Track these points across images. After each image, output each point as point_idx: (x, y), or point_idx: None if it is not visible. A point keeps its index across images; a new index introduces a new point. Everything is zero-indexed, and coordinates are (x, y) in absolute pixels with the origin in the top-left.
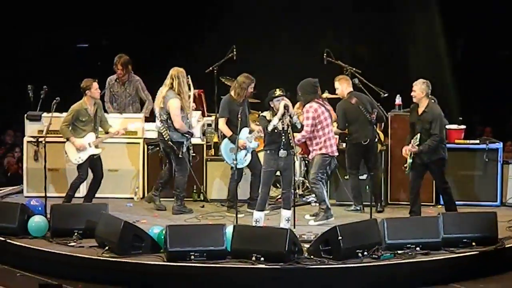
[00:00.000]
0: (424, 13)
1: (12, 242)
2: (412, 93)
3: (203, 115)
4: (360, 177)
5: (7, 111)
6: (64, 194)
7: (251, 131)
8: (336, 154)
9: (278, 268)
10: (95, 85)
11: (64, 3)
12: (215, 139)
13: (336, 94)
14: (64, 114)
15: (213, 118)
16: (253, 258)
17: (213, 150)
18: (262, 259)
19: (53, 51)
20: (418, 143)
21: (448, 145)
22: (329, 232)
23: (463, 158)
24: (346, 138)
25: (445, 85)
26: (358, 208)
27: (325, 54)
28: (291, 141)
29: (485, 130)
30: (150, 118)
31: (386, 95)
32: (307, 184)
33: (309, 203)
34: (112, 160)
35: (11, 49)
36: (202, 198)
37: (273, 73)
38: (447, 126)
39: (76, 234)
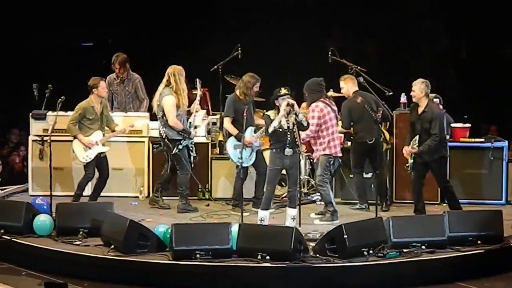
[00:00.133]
0: (429, 11)
1: (18, 241)
2: (412, 93)
3: (208, 114)
4: (365, 176)
5: (12, 110)
6: (69, 193)
7: (256, 130)
8: (340, 154)
9: (283, 266)
10: (103, 83)
11: (69, 2)
12: (220, 138)
13: (341, 93)
14: (69, 112)
15: (218, 116)
16: (259, 257)
17: (218, 148)
18: (267, 257)
19: (58, 49)
20: (417, 144)
21: (453, 144)
22: (334, 230)
23: (468, 156)
24: (352, 137)
25: (450, 84)
26: (363, 207)
27: (330, 53)
28: (296, 140)
29: (490, 129)
30: (155, 117)
31: (391, 93)
32: (312, 183)
33: (314, 201)
34: (117, 159)
35: (16, 48)
36: (207, 197)
37: (278, 71)
38: (452, 125)
39: (81, 232)
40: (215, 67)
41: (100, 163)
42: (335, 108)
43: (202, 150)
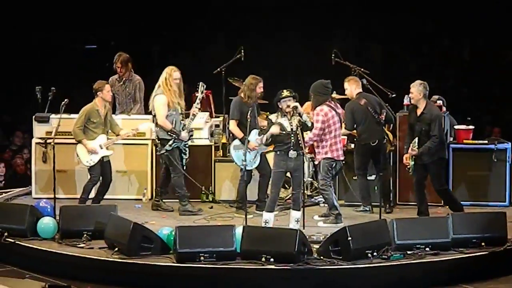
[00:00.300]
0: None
1: (21, 243)
2: (410, 95)
3: (211, 116)
4: (369, 178)
5: (16, 112)
6: (72, 196)
7: (260, 133)
8: (342, 158)
9: (288, 268)
10: (108, 87)
11: (72, 4)
12: (223, 140)
13: (345, 95)
14: (73, 115)
15: (221, 119)
16: (263, 259)
17: (221, 151)
18: (271, 260)
19: (61, 52)
20: (417, 146)
21: (456, 146)
22: (338, 232)
23: (472, 158)
24: (355, 139)
25: (453, 86)
26: (367, 209)
27: (333, 55)
28: (300, 142)
29: (493, 131)
30: None
31: (394, 95)
32: (316, 185)
33: (317, 203)
34: (120, 161)
35: (19, 51)
36: (211, 199)
37: (281, 73)
38: (456, 127)
39: (85, 235)
40: (218, 69)
41: (103, 167)
42: (340, 111)
43: (206, 152)
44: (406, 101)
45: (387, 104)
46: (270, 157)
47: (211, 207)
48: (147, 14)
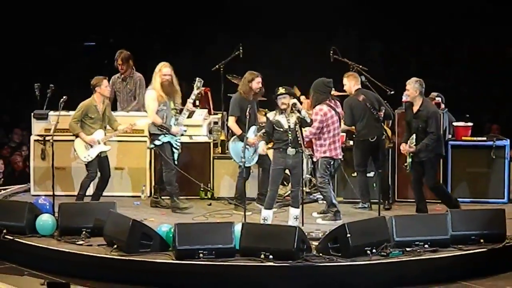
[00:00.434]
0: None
1: (20, 240)
2: (406, 92)
3: (209, 113)
4: (368, 175)
5: (15, 110)
6: (71, 193)
7: (259, 129)
8: (340, 157)
9: (287, 265)
10: (105, 82)
11: (71, 2)
12: (222, 137)
13: (344, 92)
14: (71, 112)
15: (219, 116)
16: (262, 256)
17: (220, 148)
18: (271, 257)
19: (60, 49)
20: (414, 143)
21: (455, 142)
22: (337, 229)
23: (470, 155)
24: (354, 136)
25: (452, 83)
26: (366, 206)
27: (331, 52)
28: (299, 139)
29: (492, 127)
30: None
31: (392, 92)
32: (314, 182)
33: (316, 200)
34: (118, 158)
35: (18, 48)
36: (209, 196)
37: (280, 70)
38: (454, 124)
39: (84, 232)
40: (217, 66)
41: (101, 163)
42: (339, 110)
43: (204, 149)
44: (404, 98)
45: (385, 101)
46: (270, 153)
47: (210, 204)
48: (147, 12)
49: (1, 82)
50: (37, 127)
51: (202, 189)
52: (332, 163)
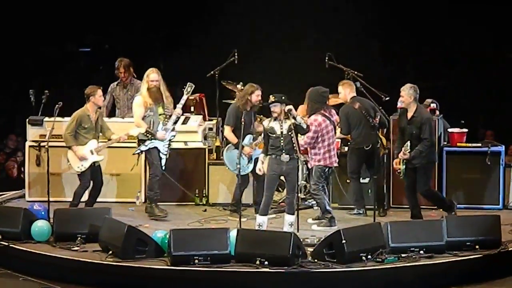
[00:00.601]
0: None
1: (15, 246)
2: (400, 98)
3: (204, 119)
4: (362, 181)
5: (10, 115)
6: (66, 199)
7: (255, 138)
8: (335, 164)
9: (282, 272)
10: (100, 92)
11: (65, 7)
12: (217, 143)
13: (338, 97)
14: (67, 118)
15: (214, 122)
16: (257, 262)
17: (214, 154)
18: (266, 263)
19: (54, 55)
20: (409, 150)
21: (450, 149)
22: (333, 235)
23: (465, 161)
24: (349, 143)
25: (447, 88)
26: (361, 212)
27: (327, 58)
28: (294, 145)
29: (486, 134)
30: None
31: (387, 99)
32: (309, 188)
33: (311, 207)
34: (114, 164)
35: (13, 54)
36: (204, 202)
37: (275, 76)
38: (449, 130)
39: (79, 238)
40: (212, 72)
41: (94, 172)
42: (334, 118)
43: (199, 155)
44: (400, 104)
45: (380, 107)
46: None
47: (205, 210)
48: (142, 17)
49: None
50: (32, 133)
51: (197, 194)
52: (326, 170)
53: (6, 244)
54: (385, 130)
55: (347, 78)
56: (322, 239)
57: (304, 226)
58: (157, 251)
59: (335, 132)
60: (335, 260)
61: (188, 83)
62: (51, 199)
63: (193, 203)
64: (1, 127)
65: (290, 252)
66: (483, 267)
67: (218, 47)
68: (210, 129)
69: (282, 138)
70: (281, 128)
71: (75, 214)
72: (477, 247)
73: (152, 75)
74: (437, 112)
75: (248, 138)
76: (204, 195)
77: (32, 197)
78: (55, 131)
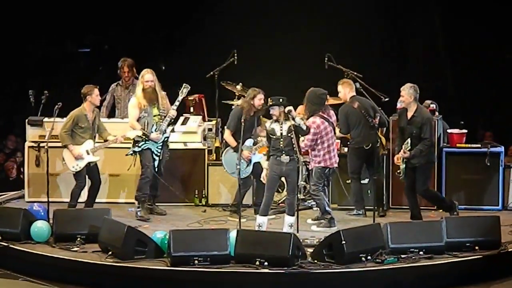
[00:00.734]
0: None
1: (15, 247)
2: (400, 98)
3: (204, 119)
4: (362, 181)
5: (9, 116)
6: (65, 199)
7: (255, 143)
8: (336, 165)
9: (282, 272)
10: (96, 91)
11: (65, 8)
12: (217, 144)
13: (339, 99)
14: (66, 119)
15: (214, 122)
16: (257, 263)
17: (214, 155)
18: (266, 263)
19: (54, 55)
20: (409, 148)
21: (450, 149)
22: (332, 236)
23: (465, 162)
24: (348, 143)
25: (446, 89)
26: (360, 213)
27: (326, 59)
28: (294, 146)
29: (485, 135)
30: None
31: (387, 99)
32: (308, 188)
33: (310, 207)
34: (113, 165)
35: (13, 54)
36: (204, 203)
37: (275, 76)
38: (449, 130)
39: (79, 239)
40: (211, 73)
41: (90, 171)
42: (333, 119)
43: (199, 156)
44: (399, 104)
45: (380, 108)
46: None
47: (204, 211)
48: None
49: None
50: (32, 133)
51: (196, 195)
52: (326, 171)
53: (6, 244)
54: (384, 129)
55: (346, 79)
56: (321, 240)
57: (303, 227)
58: (157, 252)
59: (335, 133)
60: (334, 261)
61: (184, 84)
62: (50, 199)
63: (193, 203)
64: (0, 127)
65: (290, 253)
66: (482, 268)
67: (218, 47)
68: (210, 129)
69: (282, 139)
70: (281, 130)
71: (74, 215)
72: (476, 248)
73: (147, 75)
74: (437, 113)
75: (248, 142)
76: (203, 195)
77: (31, 198)
78: (55, 131)
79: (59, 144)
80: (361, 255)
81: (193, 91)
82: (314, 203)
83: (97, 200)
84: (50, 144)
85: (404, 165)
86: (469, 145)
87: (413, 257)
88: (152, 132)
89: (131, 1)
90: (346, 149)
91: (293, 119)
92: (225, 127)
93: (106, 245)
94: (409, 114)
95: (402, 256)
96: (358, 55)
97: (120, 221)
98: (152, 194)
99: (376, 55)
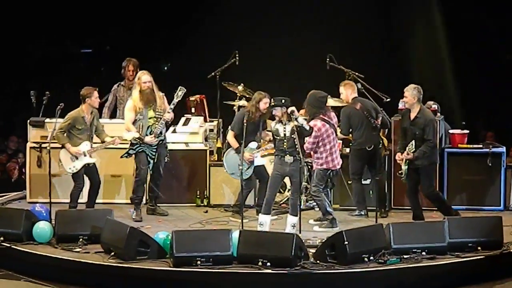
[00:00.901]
0: (426, 17)
1: (17, 248)
2: (404, 99)
3: (205, 120)
4: (364, 182)
5: (11, 117)
6: (67, 200)
7: (258, 146)
8: (339, 166)
9: (284, 273)
10: (96, 94)
11: (66, 8)
12: (218, 144)
13: (340, 101)
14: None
15: (215, 123)
16: (260, 263)
17: (216, 155)
18: (268, 264)
19: (56, 56)
20: (413, 149)
21: (451, 150)
22: (335, 236)
23: (466, 162)
24: (350, 144)
25: (448, 90)
26: (362, 213)
27: (327, 59)
28: (297, 147)
29: (487, 135)
30: None
31: (388, 100)
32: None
33: (312, 208)
34: (115, 165)
35: (15, 55)
36: (206, 204)
37: (276, 77)
38: (451, 131)
39: (81, 239)
40: (213, 73)
41: (89, 172)
42: (334, 121)
43: (200, 156)
44: (401, 105)
45: (382, 109)
46: (269, 164)
47: (206, 211)
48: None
49: None
50: (33, 134)
51: (198, 196)
52: (328, 173)
53: (8, 245)
54: (386, 131)
55: (348, 79)
56: (324, 240)
57: (306, 227)
58: (159, 253)
59: (336, 135)
60: (337, 262)
61: (179, 87)
62: (54, 200)
63: (194, 204)
64: (1, 128)
65: (292, 253)
66: (485, 268)
67: (219, 48)
68: (211, 130)
69: (285, 140)
70: (284, 130)
71: (76, 216)
72: (479, 248)
73: (144, 77)
74: (438, 114)
75: (252, 145)
76: (205, 196)
77: (33, 199)
78: None
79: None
80: (363, 255)
81: (195, 91)
82: (315, 203)
83: (97, 201)
84: (52, 145)
85: (406, 166)
86: (471, 146)
87: (416, 258)
88: (146, 135)
89: (131, 1)
90: (348, 150)
91: (296, 119)
92: (229, 128)
93: (108, 246)
94: (412, 115)
95: (405, 256)
96: (358, 55)
97: (122, 222)
98: (154, 195)
99: (377, 55)
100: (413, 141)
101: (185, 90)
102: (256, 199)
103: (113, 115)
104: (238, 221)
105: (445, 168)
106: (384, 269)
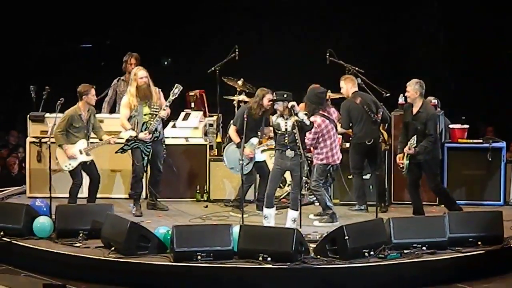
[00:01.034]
0: (426, 12)
1: (17, 243)
2: (406, 93)
3: (204, 115)
4: (364, 177)
5: (11, 111)
6: (67, 195)
7: (260, 142)
8: (338, 162)
9: (285, 268)
10: (93, 91)
11: (67, 4)
12: (218, 139)
13: (340, 93)
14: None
15: (215, 118)
16: (260, 258)
17: (215, 150)
18: (269, 259)
19: (56, 51)
20: (415, 145)
21: (451, 145)
22: (335, 231)
23: (467, 157)
24: (350, 138)
25: (447, 84)
26: (362, 208)
27: (327, 54)
28: (297, 141)
29: (487, 130)
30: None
31: (388, 95)
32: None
33: (312, 202)
34: (115, 160)
35: (15, 50)
36: (206, 198)
37: (276, 72)
38: (450, 126)
39: (81, 234)
40: (212, 68)
41: (88, 169)
42: (334, 117)
43: (200, 151)
44: (401, 100)
45: (382, 103)
46: (269, 159)
47: (206, 206)
48: (144, 14)
49: None
50: (33, 129)
51: (198, 191)
52: (328, 168)
53: (8, 240)
54: (386, 125)
55: (348, 74)
56: (324, 235)
57: (306, 222)
58: (160, 247)
59: (336, 130)
60: (337, 256)
61: (176, 84)
62: (55, 195)
63: (195, 199)
64: (2, 123)
65: (293, 248)
66: (485, 263)
67: (219, 43)
68: (211, 125)
69: (286, 135)
70: (286, 125)
71: (77, 210)
72: (479, 243)
73: (140, 72)
74: (438, 109)
75: (253, 140)
76: (205, 191)
77: (33, 193)
78: None
79: None
80: (364, 250)
81: (194, 86)
82: (315, 198)
83: (98, 196)
84: (52, 140)
85: (407, 161)
86: (471, 141)
87: (416, 252)
88: (141, 131)
89: (131, 1)
90: (348, 145)
91: (296, 114)
92: (231, 122)
93: (108, 241)
94: (415, 110)
95: (405, 251)
96: (359, 50)
97: (122, 217)
98: (155, 189)
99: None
100: (415, 136)
101: (182, 87)
102: (257, 194)
103: (112, 110)
104: (239, 216)
105: (445, 163)
106: (384, 264)
